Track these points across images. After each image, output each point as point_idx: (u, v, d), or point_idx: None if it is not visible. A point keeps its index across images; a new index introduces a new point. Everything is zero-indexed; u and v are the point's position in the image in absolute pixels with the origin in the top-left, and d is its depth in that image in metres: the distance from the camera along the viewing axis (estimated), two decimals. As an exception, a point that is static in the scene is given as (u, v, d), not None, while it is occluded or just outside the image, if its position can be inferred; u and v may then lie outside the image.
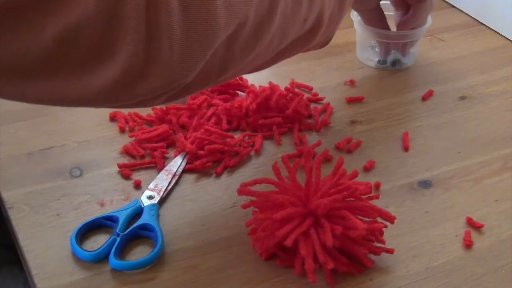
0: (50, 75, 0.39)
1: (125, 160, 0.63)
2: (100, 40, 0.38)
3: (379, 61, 0.81)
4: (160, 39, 0.41)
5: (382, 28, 0.77)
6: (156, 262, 0.52)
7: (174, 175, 0.60)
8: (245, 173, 0.62)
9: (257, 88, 0.71)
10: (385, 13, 0.79)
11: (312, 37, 0.58)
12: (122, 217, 0.55)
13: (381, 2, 0.79)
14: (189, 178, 0.61)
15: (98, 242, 0.54)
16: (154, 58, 0.42)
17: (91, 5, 0.36)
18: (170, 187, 0.59)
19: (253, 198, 0.53)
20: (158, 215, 0.56)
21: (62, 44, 0.37)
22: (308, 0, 0.54)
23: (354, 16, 0.79)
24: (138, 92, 0.44)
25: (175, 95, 0.47)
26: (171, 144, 0.65)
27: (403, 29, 0.76)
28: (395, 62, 0.80)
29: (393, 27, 0.79)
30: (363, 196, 0.52)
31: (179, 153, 0.63)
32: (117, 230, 0.54)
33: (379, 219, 0.52)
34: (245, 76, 0.74)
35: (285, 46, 0.55)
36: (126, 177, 0.61)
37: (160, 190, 0.58)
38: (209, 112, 0.69)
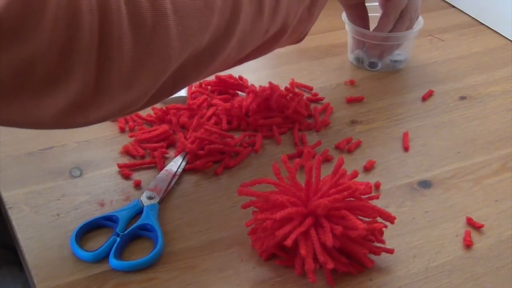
0: (5, 103, 0.40)
1: (125, 160, 0.63)
2: (53, 72, 0.40)
3: (357, 59, 0.80)
4: (110, 71, 0.43)
5: (361, 26, 0.77)
6: (156, 262, 0.52)
7: (174, 175, 0.60)
8: (245, 173, 0.62)
9: (257, 88, 0.71)
10: (374, 14, 0.79)
11: (277, 41, 0.59)
12: (122, 217, 0.55)
13: (372, 3, 0.79)
14: (189, 178, 0.61)
15: (98, 242, 0.53)
16: (104, 87, 0.43)
17: (44, 41, 0.38)
18: (170, 187, 0.59)
19: (253, 198, 0.53)
20: (158, 215, 0.56)
21: (19, 74, 0.38)
22: (270, 13, 0.54)
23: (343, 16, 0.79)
24: (92, 118, 0.47)
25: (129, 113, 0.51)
26: (171, 144, 0.65)
27: (379, 31, 0.76)
28: (372, 64, 0.80)
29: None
30: (363, 196, 0.52)
31: (179, 153, 0.63)
32: (117, 230, 0.54)
33: (379, 219, 0.52)
34: (245, 76, 0.74)
35: (247, 53, 0.56)
36: (126, 177, 0.61)
37: (160, 190, 0.58)
38: (209, 112, 0.69)
